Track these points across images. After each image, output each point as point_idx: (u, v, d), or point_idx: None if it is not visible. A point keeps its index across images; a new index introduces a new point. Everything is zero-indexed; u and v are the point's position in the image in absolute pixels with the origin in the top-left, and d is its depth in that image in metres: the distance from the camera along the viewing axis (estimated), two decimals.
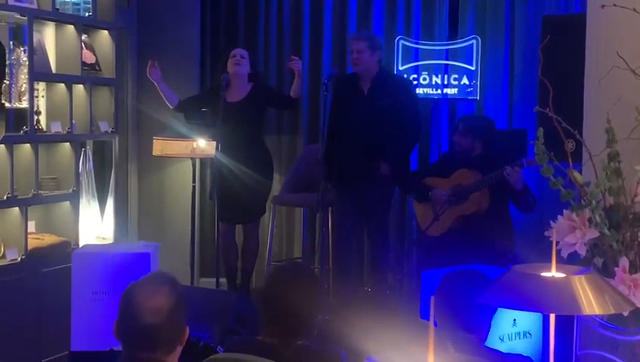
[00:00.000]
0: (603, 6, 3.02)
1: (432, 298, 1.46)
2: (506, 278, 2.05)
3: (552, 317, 2.07)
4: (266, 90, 5.77)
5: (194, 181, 5.75)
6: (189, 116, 5.94)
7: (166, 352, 2.29)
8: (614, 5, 3.01)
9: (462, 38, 6.09)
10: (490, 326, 3.00)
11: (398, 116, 5.40)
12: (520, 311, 3.55)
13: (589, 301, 1.95)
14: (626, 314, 2.60)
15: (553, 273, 2.02)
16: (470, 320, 2.86)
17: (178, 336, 2.32)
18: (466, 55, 6.04)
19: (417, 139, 5.66)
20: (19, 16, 4.82)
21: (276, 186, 6.36)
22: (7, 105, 4.68)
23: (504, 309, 3.36)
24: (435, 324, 1.53)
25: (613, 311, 2.01)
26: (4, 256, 4.71)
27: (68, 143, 5.19)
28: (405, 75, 6.06)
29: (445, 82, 6.10)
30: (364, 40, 5.45)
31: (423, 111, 6.13)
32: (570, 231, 2.74)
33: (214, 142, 5.36)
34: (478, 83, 6.03)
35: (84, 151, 5.44)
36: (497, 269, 3.53)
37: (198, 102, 5.78)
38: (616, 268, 2.71)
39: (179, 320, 2.31)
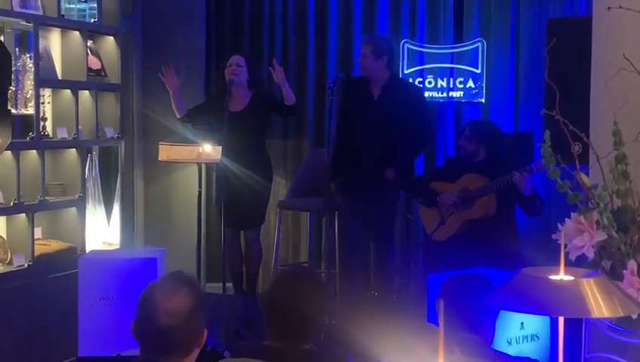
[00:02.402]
0: (609, 8, 3.02)
1: (441, 301, 1.45)
2: (515, 281, 2.04)
3: (561, 320, 2.06)
4: (267, 97, 5.71)
5: (200, 186, 5.75)
6: (194, 122, 5.92)
7: (183, 355, 2.26)
8: (620, 7, 3.01)
9: (467, 41, 6.09)
10: (494, 328, 3.00)
11: (407, 122, 5.39)
12: (528, 315, 3.54)
13: (598, 304, 1.94)
14: (634, 316, 2.59)
15: (562, 276, 2.02)
16: (473, 321, 2.87)
17: (196, 339, 2.28)
18: (471, 58, 6.04)
19: (425, 146, 5.69)
20: (25, 23, 4.83)
21: (282, 191, 6.36)
22: (13, 111, 4.68)
23: (512, 312, 3.35)
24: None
25: (622, 314, 2.00)
26: (11, 262, 4.71)
27: (74, 149, 5.20)
28: (410, 79, 6.06)
29: (451, 85, 6.10)
30: (369, 44, 5.45)
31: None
32: (578, 233, 2.74)
33: (220, 147, 5.36)
34: (484, 86, 6.03)
35: (90, 157, 5.44)
36: (504, 273, 3.53)
37: (204, 111, 5.72)
38: (624, 271, 2.70)
39: (198, 323, 2.27)
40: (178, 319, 2.22)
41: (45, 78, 4.98)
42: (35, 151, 4.89)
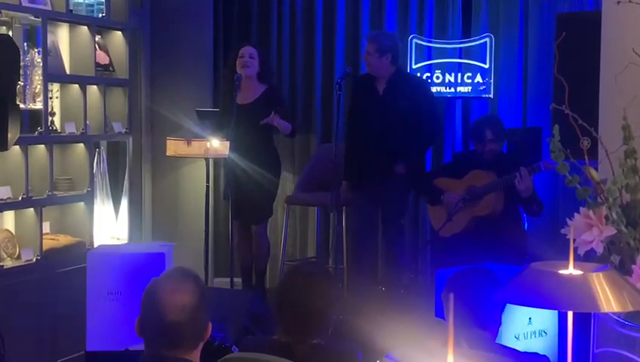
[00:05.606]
0: (619, 2, 3.00)
1: (451, 295, 1.45)
2: (524, 275, 2.03)
3: (570, 314, 2.05)
4: (279, 101, 5.63)
5: (208, 181, 5.75)
6: (202, 117, 5.91)
7: (188, 349, 2.26)
8: (630, 2, 2.99)
9: (475, 36, 6.08)
10: (500, 322, 3.00)
11: (413, 116, 5.40)
12: (535, 310, 3.54)
13: (607, 298, 1.93)
14: None
15: (571, 270, 2.01)
16: (480, 316, 2.87)
17: (201, 333, 2.29)
18: (479, 53, 6.03)
19: (434, 139, 5.70)
20: (33, 18, 4.84)
21: (290, 186, 6.36)
22: (21, 106, 4.69)
23: (520, 307, 3.35)
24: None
25: (631, 309, 1.99)
26: (19, 257, 4.73)
27: (82, 144, 5.21)
28: (418, 74, 6.05)
29: (459, 80, 6.08)
30: (373, 43, 5.46)
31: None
32: (587, 228, 2.73)
33: (228, 143, 5.36)
34: (492, 81, 6.01)
35: (99, 152, 5.45)
36: (512, 268, 3.52)
37: (225, 112, 5.65)
38: (633, 266, 2.69)
39: (202, 317, 2.28)
40: (183, 314, 2.23)
41: (53, 73, 4.99)
42: (43, 146, 4.90)
